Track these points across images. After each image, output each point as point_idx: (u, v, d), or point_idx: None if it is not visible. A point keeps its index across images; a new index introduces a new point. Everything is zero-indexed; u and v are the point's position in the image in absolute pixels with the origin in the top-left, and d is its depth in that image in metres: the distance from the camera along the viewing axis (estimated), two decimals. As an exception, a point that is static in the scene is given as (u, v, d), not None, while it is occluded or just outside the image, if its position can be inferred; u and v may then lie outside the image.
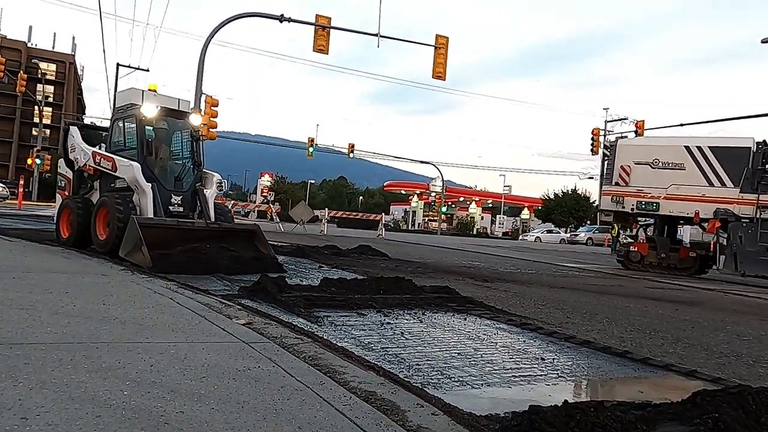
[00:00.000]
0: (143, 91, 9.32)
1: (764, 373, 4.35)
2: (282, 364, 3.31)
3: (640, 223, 17.53)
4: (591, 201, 55.81)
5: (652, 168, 15.62)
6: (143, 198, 8.43)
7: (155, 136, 9.27)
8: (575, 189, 59.10)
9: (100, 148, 9.85)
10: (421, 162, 61.24)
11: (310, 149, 46.69)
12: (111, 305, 4.59)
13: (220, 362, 3.22)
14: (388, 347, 4.31)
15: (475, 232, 58.04)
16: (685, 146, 15.26)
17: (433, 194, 61.98)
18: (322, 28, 20.75)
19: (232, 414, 2.44)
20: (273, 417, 2.47)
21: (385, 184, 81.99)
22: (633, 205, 15.93)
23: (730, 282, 14.39)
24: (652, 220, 17.01)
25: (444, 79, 21.91)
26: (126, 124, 9.32)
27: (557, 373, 3.93)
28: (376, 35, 21.83)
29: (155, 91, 9.45)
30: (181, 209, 8.97)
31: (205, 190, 9.16)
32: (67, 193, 10.16)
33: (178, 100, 9.58)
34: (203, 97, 19.38)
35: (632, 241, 17.27)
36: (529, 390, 3.49)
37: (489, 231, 60.82)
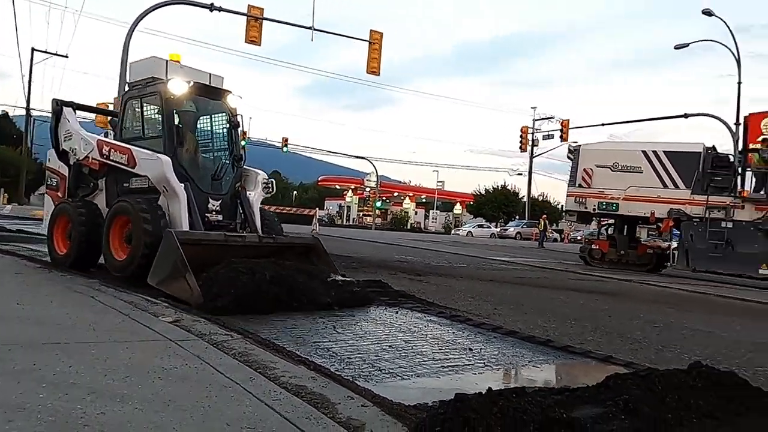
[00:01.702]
0: (167, 60, 7.31)
1: (671, 357, 4.68)
2: (210, 361, 3.26)
3: (602, 222, 18.48)
4: (520, 197, 57.74)
5: (612, 171, 16.49)
6: (174, 203, 6.41)
7: (180, 121, 7.29)
8: (505, 185, 60.96)
9: (106, 136, 7.99)
10: (356, 157, 61.44)
11: (243, 143, 45.62)
12: (26, 305, 4.35)
13: (144, 361, 3.13)
14: (319, 341, 4.32)
15: (409, 227, 58.74)
16: (642, 150, 16.23)
17: (368, 189, 62.29)
18: (255, 19, 20.32)
19: (156, 413, 2.39)
20: (200, 415, 2.43)
21: (319, 178, 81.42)
22: (595, 205, 16.80)
23: (677, 277, 15.32)
24: (613, 220, 17.98)
25: (378, 75, 22.00)
26: (145, 104, 7.19)
27: (484, 363, 4.07)
28: (310, 28, 21.62)
29: (179, 62, 7.43)
30: (220, 217, 6.98)
31: (248, 193, 7.23)
32: (60, 195, 8.01)
33: (209, 74, 7.66)
34: (127, 88, 18.52)
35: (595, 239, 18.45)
36: (457, 379, 3.60)
37: (423, 226, 61.72)
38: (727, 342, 5.77)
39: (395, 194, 71.51)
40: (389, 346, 4.36)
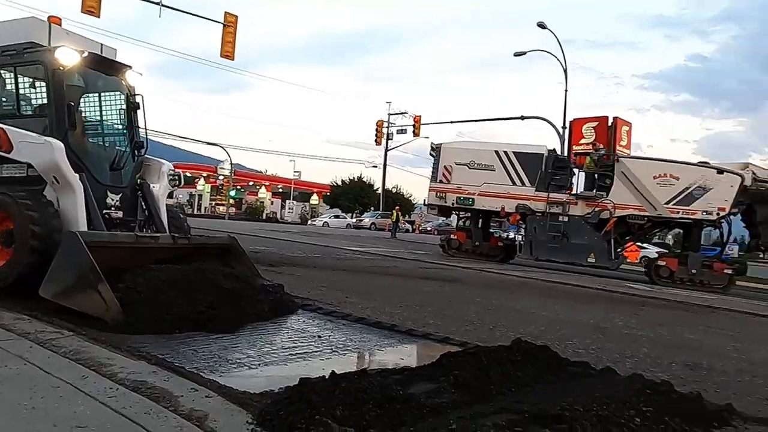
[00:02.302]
0: (50, 23, 6.10)
1: (500, 335, 5.20)
2: (36, 361, 3.01)
3: (461, 216, 19.72)
4: (375, 188, 59.34)
5: (469, 168, 17.76)
6: (68, 197, 5.34)
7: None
8: (361, 177, 62.26)
9: None
10: (209, 143, 58.66)
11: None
12: None
13: (-46, 365, 2.80)
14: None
15: (264, 217, 57.61)
16: (495, 150, 17.63)
17: (221, 177, 59.91)
18: (94, -12, 18.53)
19: (-31, 420, 2.17)
20: (24, 417, 2.27)
21: (168, 165, 76.37)
22: (454, 200, 17.99)
23: (521, 265, 16.67)
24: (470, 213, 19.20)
25: (233, 59, 21.21)
26: (21, 75, 5.93)
27: (332, 349, 4.22)
28: (158, 3, 20.22)
29: (59, 24, 6.17)
30: (120, 214, 6.00)
31: (152, 186, 6.35)
32: None
33: (101, 45, 6.54)
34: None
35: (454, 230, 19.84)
36: (305, 366, 3.70)
37: (279, 216, 60.89)
38: (547, 321, 6.53)
39: (250, 183, 69.65)
40: (238, 336, 4.33)
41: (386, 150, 47.59)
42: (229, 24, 21.01)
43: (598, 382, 3.49)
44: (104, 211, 5.74)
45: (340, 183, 62.27)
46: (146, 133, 6.50)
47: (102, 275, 4.29)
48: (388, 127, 45.50)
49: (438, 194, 18.22)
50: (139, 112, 6.47)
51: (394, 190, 59.92)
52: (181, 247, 5.66)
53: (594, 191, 16.23)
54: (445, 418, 2.62)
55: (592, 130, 26.37)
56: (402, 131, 45.05)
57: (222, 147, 55.70)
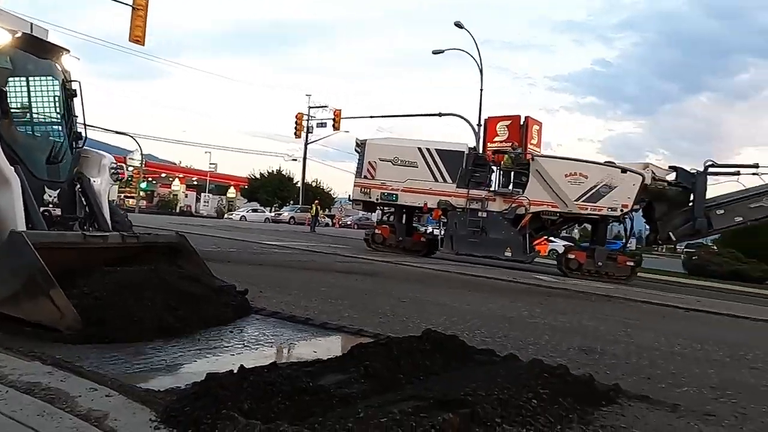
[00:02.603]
0: None
1: (413, 327, 5.33)
2: None
3: (385, 211, 19.78)
4: (294, 182, 58.69)
5: (393, 165, 17.88)
6: (4, 193, 4.86)
7: None
8: (280, 170, 61.34)
9: None
10: (117, 132, 55.56)
11: None
12: None
13: None
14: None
15: (178, 211, 55.45)
16: (419, 147, 17.87)
17: (131, 169, 56.99)
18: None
19: None
20: None
21: (72, 154, 71.68)
22: (378, 195, 18.07)
23: (447, 259, 16.97)
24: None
25: (143, 44, 20.21)
26: None
27: (243, 344, 4.17)
28: (59, -18, 18.91)
29: None
30: (59, 211, 5.60)
31: (92, 180, 5.90)
32: None
33: (31, 24, 6.05)
34: None
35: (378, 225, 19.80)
36: (215, 361, 3.63)
37: (194, 209, 58.79)
38: (458, 312, 6.78)
39: (163, 175, 66.74)
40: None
41: (306, 143, 47.28)
42: (139, 7, 19.99)
43: (501, 368, 3.68)
44: (42, 209, 5.27)
45: (258, 176, 61.03)
46: (85, 123, 6.02)
47: (54, 280, 3.86)
48: (308, 120, 45.17)
49: (363, 190, 18.36)
50: (76, 100, 5.98)
51: (314, 184, 59.53)
52: (130, 246, 5.25)
53: (511, 188, 16.97)
54: (354, 407, 2.68)
55: (506, 129, 27.54)
56: (322, 125, 44.91)
57: (131, 136, 53.00)
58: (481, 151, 21.14)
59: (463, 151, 17.86)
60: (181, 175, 67.67)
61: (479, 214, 16.77)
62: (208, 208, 58.51)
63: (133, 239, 5.36)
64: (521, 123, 27.43)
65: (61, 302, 3.81)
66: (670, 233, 16.28)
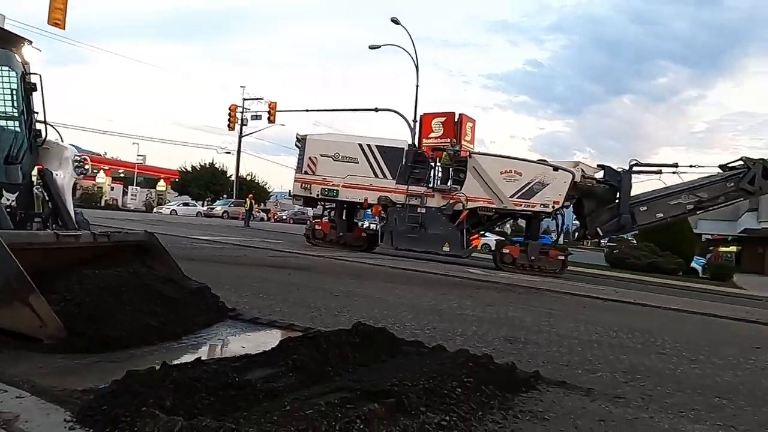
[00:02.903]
0: None
1: (344, 320, 5.36)
2: None
3: (326, 206, 19.65)
4: (228, 175, 57.33)
5: (334, 160, 17.86)
6: None
7: None
8: (213, 163, 59.74)
9: None
10: (37, 122, 52.37)
11: None
12: None
13: None
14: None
15: (103, 204, 52.94)
16: (359, 144, 17.89)
17: (52, 160, 53.80)
18: None
19: None
20: None
21: (-16, 143, 66.98)
22: (318, 191, 18.03)
23: (383, 255, 16.98)
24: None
25: (63, 28, 19.19)
26: None
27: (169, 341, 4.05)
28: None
29: None
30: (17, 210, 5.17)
31: (55, 175, 5.48)
32: None
33: None
34: None
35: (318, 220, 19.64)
36: (139, 359, 3.52)
37: (120, 203, 56.29)
38: (389, 305, 6.87)
39: (86, 167, 63.51)
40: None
41: (240, 136, 46.23)
42: (59, -11, 18.93)
43: (429, 358, 3.79)
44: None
45: (190, 169, 59.24)
46: (45, 119, 5.66)
47: (33, 284, 3.50)
48: (242, 113, 44.19)
49: (303, 185, 18.31)
50: (36, 95, 5.57)
51: (248, 178, 58.37)
52: (102, 246, 4.88)
53: (449, 185, 17.32)
54: (281, 400, 2.68)
55: (441, 125, 28.05)
56: (257, 117, 44.04)
57: (51, 125, 49.99)
58: (418, 148, 21.46)
59: (403, 148, 18.11)
60: (106, 167, 64.60)
61: (418, 210, 17.05)
62: (136, 202, 56.22)
63: (104, 238, 5.01)
64: (456, 120, 28.00)
65: (41, 310, 3.48)
66: (598, 229, 17.17)
